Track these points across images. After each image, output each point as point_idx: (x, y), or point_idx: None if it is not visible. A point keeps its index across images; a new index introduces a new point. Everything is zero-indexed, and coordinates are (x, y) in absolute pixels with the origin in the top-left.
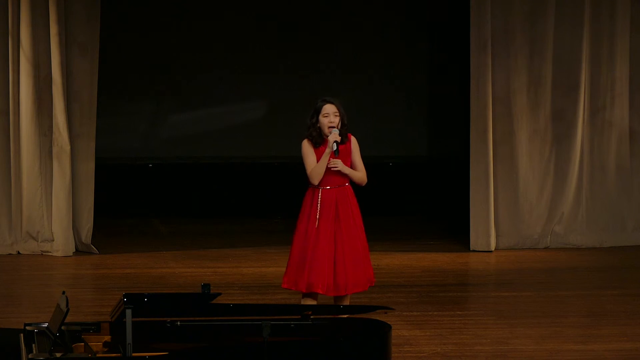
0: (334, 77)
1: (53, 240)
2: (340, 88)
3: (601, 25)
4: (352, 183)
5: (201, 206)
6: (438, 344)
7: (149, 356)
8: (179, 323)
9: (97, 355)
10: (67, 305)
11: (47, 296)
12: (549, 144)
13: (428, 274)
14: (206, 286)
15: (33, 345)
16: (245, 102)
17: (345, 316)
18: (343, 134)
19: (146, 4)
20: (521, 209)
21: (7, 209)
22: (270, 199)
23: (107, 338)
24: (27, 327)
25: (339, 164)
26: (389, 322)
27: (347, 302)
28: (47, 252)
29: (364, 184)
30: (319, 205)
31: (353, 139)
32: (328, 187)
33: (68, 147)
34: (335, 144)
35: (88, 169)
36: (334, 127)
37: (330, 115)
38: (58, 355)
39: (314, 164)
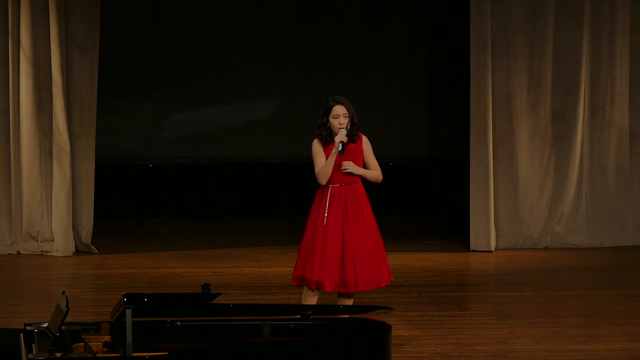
0: (333, 77)
1: (53, 240)
2: (340, 88)
3: (601, 25)
4: (365, 181)
5: (201, 206)
6: (438, 344)
7: (149, 356)
8: (179, 323)
9: (97, 355)
10: (67, 305)
11: (47, 296)
12: (549, 144)
13: (428, 274)
14: (206, 286)
15: (33, 345)
16: (245, 102)
17: (345, 316)
18: (353, 133)
19: (146, 4)
20: (521, 209)
21: (7, 209)
22: (270, 199)
23: (107, 338)
24: (27, 327)
25: (350, 166)
26: (389, 322)
27: (350, 302)
28: (47, 252)
29: (379, 182)
30: (327, 203)
31: (364, 138)
32: (337, 185)
33: (68, 147)
34: (341, 144)
35: (88, 169)
36: (342, 129)
37: (340, 117)
38: (58, 355)
39: (322, 164)
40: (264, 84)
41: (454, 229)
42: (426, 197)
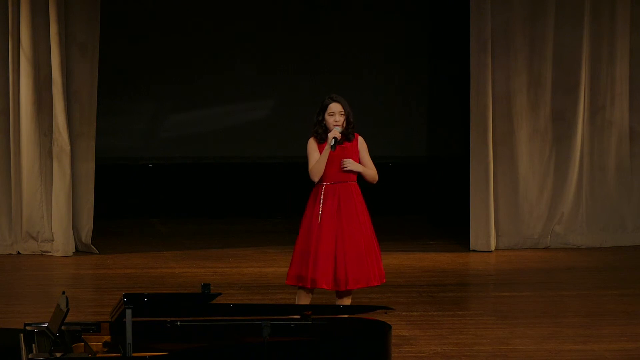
0: (333, 77)
1: (53, 240)
2: (340, 88)
3: (601, 25)
4: (360, 181)
5: (201, 206)
6: (438, 344)
7: (149, 356)
8: (179, 323)
9: (97, 355)
10: (67, 305)
11: (47, 296)
12: (549, 144)
13: (428, 274)
14: (206, 286)
15: (33, 345)
16: (245, 102)
17: (345, 316)
18: (349, 132)
19: (146, 4)
20: (521, 209)
21: (7, 209)
22: (270, 199)
23: (107, 338)
24: (27, 327)
25: (350, 164)
26: (389, 322)
27: (349, 301)
28: (47, 252)
29: (375, 182)
30: (321, 201)
31: (360, 139)
32: (331, 183)
33: (68, 147)
34: (334, 139)
35: (88, 169)
36: (338, 127)
37: (335, 114)
38: (58, 355)
39: (316, 160)
40: (264, 84)
41: (454, 229)
42: (426, 197)
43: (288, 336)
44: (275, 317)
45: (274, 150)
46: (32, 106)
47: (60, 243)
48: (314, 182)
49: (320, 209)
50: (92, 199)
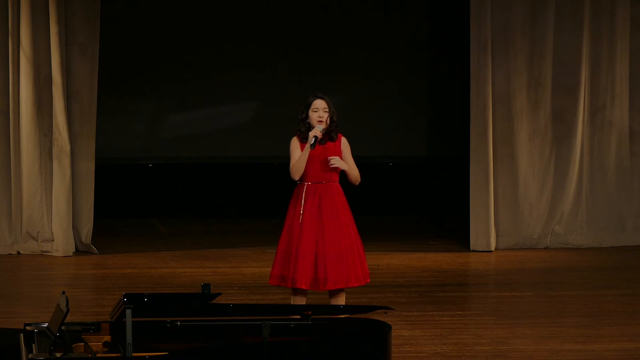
0: (334, 77)
1: (53, 240)
2: (340, 88)
3: (601, 25)
4: (343, 181)
5: (201, 206)
6: (438, 344)
7: (149, 356)
8: (179, 323)
9: (97, 355)
10: (67, 305)
11: (47, 296)
12: (549, 144)
13: (428, 274)
14: (206, 286)
15: (33, 345)
16: (245, 102)
17: (345, 316)
18: (332, 130)
19: (146, 4)
20: (521, 209)
21: (7, 209)
22: (270, 199)
23: (107, 338)
24: (27, 327)
25: (337, 161)
26: (389, 322)
27: (342, 299)
28: (47, 252)
29: (358, 183)
30: (302, 201)
31: (343, 139)
32: (313, 183)
33: (68, 147)
34: (314, 138)
35: (88, 169)
36: (321, 123)
37: (319, 111)
38: (58, 355)
39: (296, 159)
40: (265, 84)
41: (454, 229)
42: (426, 197)
43: (288, 336)
44: (275, 317)
45: (274, 150)
46: (32, 106)
47: (60, 243)
48: (296, 182)
49: (302, 209)
50: (92, 199)
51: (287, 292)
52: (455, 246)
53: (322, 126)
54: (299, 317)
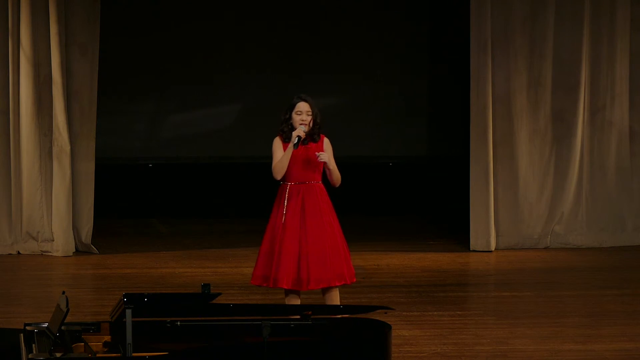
0: (334, 77)
1: (53, 240)
2: (341, 88)
3: (601, 25)
4: (325, 181)
5: (201, 206)
6: (438, 344)
7: (149, 356)
8: (179, 323)
9: (97, 355)
10: (67, 305)
11: (47, 296)
12: (549, 144)
13: (428, 274)
14: (206, 286)
15: (33, 345)
16: (245, 102)
17: (345, 316)
18: (314, 132)
19: (146, 4)
20: (521, 209)
21: (7, 209)
22: (270, 199)
23: (107, 338)
24: (27, 327)
25: (325, 157)
26: (389, 322)
27: (336, 298)
28: (47, 252)
29: (338, 184)
30: (285, 201)
31: (326, 140)
32: (295, 183)
33: (68, 147)
34: (297, 138)
35: (88, 169)
36: (304, 125)
37: (303, 114)
38: (58, 355)
39: (278, 159)
40: (265, 84)
41: (454, 229)
42: (426, 197)
43: (288, 336)
44: (275, 317)
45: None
46: (32, 106)
47: (60, 243)
48: (279, 181)
49: (284, 209)
50: (92, 199)
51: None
52: (455, 246)
53: (305, 128)
54: (299, 317)
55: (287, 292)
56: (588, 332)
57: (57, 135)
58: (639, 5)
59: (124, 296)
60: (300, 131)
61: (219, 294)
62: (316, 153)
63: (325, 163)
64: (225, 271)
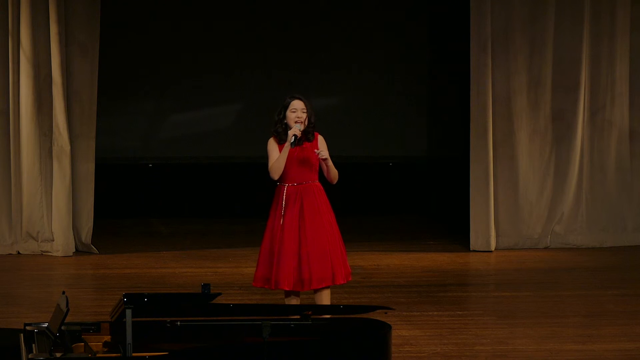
0: (334, 77)
1: (53, 240)
2: (340, 88)
3: (601, 25)
4: (322, 180)
5: (201, 206)
6: (438, 344)
7: (149, 356)
8: (179, 323)
9: (97, 355)
10: (67, 305)
11: (47, 296)
12: (549, 144)
13: (428, 274)
14: (206, 286)
15: (33, 345)
16: (245, 102)
17: (345, 316)
18: (309, 132)
19: (146, 4)
20: (521, 209)
21: (7, 209)
22: (270, 199)
23: (107, 338)
24: (27, 327)
25: (324, 153)
26: (389, 322)
27: (327, 298)
28: (47, 252)
29: (335, 182)
30: (284, 202)
31: (320, 138)
32: (293, 184)
33: (68, 147)
34: (294, 137)
35: (88, 169)
36: (300, 123)
37: (297, 111)
38: (58, 355)
39: (275, 159)
40: (265, 84)
41: (454, 229)
42: (426, 197)
43: (288, 336)
44: (275, 317)
45: None
46: (32, 106)
47: (60, 243)
48: (277, 181)
49: (283, 211)
50: (92, 199)
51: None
52: (455, 246)
53: (301, 126)
54: (299, 317)
55: (288, 293)
56: (588, 332)
57: (57, 135)
58: (639, 5)
59: (124, 296)
60: (296, 130)
61: (219, 294)
62: (315, 150)
63: (323, 160)
64: (225, 271)
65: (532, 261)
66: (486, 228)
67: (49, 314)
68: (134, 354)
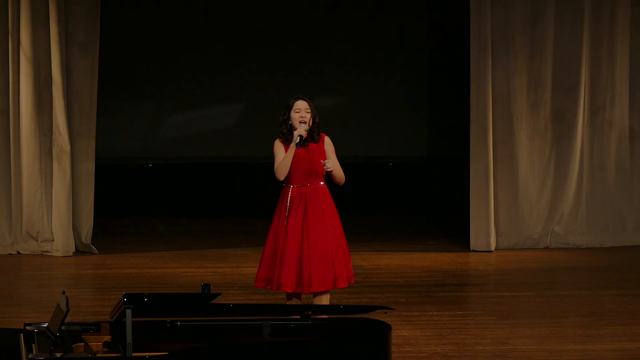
0: (334, 77)
1: (53, 240)
2: (340, 88)
3: (601, 25)
4: (329, 182)
5: (201, 206)
6: (438, 344)
7: (149, 356)
8: (179, 323)
9: (97, 355)
10: (67, 305)
11: (47, 296)
12: (549, 144)
13: (428, 274)
14: (206, 286)
15: (33, 345)
16: (245, 102)
17: (345, 316)
18: (314, 131)
19: (146, 4)
20: (521, 209)
21: (7, 209)
22: (270, 199)
23: (107, 338)
24: (27, 327)
25: (330, 165)
26: (389, 322)
27: (326, 301)
28: (47, 252)
29: (342, 182)
30: (288, 203)
31: (327, 139)
32: (298, 186)
33: (68, 147)
34: (299, 137)
35: (88, 169)
36: (304, 123)
37: (301, 111)
38: (58, 355)
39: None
40: (265, 84)
41: (454, 229)
42: (426, 198)
43: (288, 336)
44: (275, 317)
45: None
46: (32, 106)
47: (60, 243)
48: (282, 182)
49: (287, 212)
50: (92, 199)
51: (286, 293)
52: (455, 246)
53: (306, 126)
54: (299, 317)
55: (290, 296)
56: (588, 332)
57: (57, 135)
58: (639, 5)
59: (124, 296)
60: (301, 130)
61: (219, 294)
62: (321, 162)
63: (329, 171)
64: (225, 271)
65: (532, 261)
66: (486, 228)
67: (49, 314)
68: (134, 354)
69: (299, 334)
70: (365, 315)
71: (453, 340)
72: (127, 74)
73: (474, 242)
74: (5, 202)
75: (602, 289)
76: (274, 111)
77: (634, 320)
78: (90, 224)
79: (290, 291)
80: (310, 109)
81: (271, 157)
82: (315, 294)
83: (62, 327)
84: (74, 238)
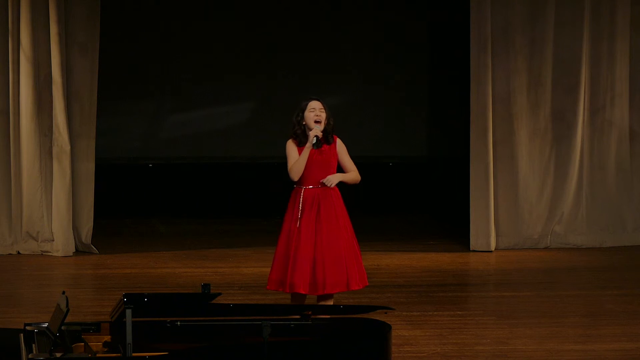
0: (334, 77)
1: (53, 240)
2: (340, 88)
3: (601, 25)
4: (341, 183)
5: (201, 206)
6: (438, 344)
7: (149, 356)
8: (179, 323)
9: (97, 355)
10: (67, 305)
11: (47, 296)
12: (549, 144)
13: (428, 274)
14: (206, 286)
15: (33, 345)
16: (245, 102)
17: (345, 316)
18: (328, 133)
19: (146, 4)
20: (521, 209)
21: (7, 209)
22: (270, 199)
23: (107, 338)
24: (27, 327)
25: (333, 180)
26: (389, 322)
27: (330, 303)
28: (47, 252)
29: (358, 182)
30: (300, 205)
31: (339, 141)
32: (310, 187)
33: (68, 147)
34: (315, 138)
35: (88, 169)
36: (319, 122)
37: (316, 110)
38: (58, 355)
39: (295, 160)
40: (265, 84)
41: (454, 229)
42: (426, 197)
43: (288, 336)
44: (275, 317)
45: (273, 150)
46: (32, 106)
47: (60, 243)
48: (294, 184)
49: (299, 214)
50: (92, 199)
51: (287, 293)
52: (455, 246)
53: (321, 127)
54: (299, 317)
55: (294, 297)
56: (588, 332)
57: (57, 135)
58: (639, 5)
59: (124, 296)
60: (317, 131)
61: (219, 294)
62: (321, 181)
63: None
64: (225, 271)
65: (532, 261)
66: (486, 228)
67: (49, 314)
68: (134, 354)
69: (299, 334)
70: (365, 315)
71: (453, 340)
72: (127, 74)
73: (474, 242)
74: (5, 202)
75: (602, 289)
76: (274, 111)
77: (634, 320)
78: (90, 224)
79: (303, 293)
80: (324, 109)
81: (271, 157)
82: (319, 298)
83: (62, 327)
84: (74, 238)
